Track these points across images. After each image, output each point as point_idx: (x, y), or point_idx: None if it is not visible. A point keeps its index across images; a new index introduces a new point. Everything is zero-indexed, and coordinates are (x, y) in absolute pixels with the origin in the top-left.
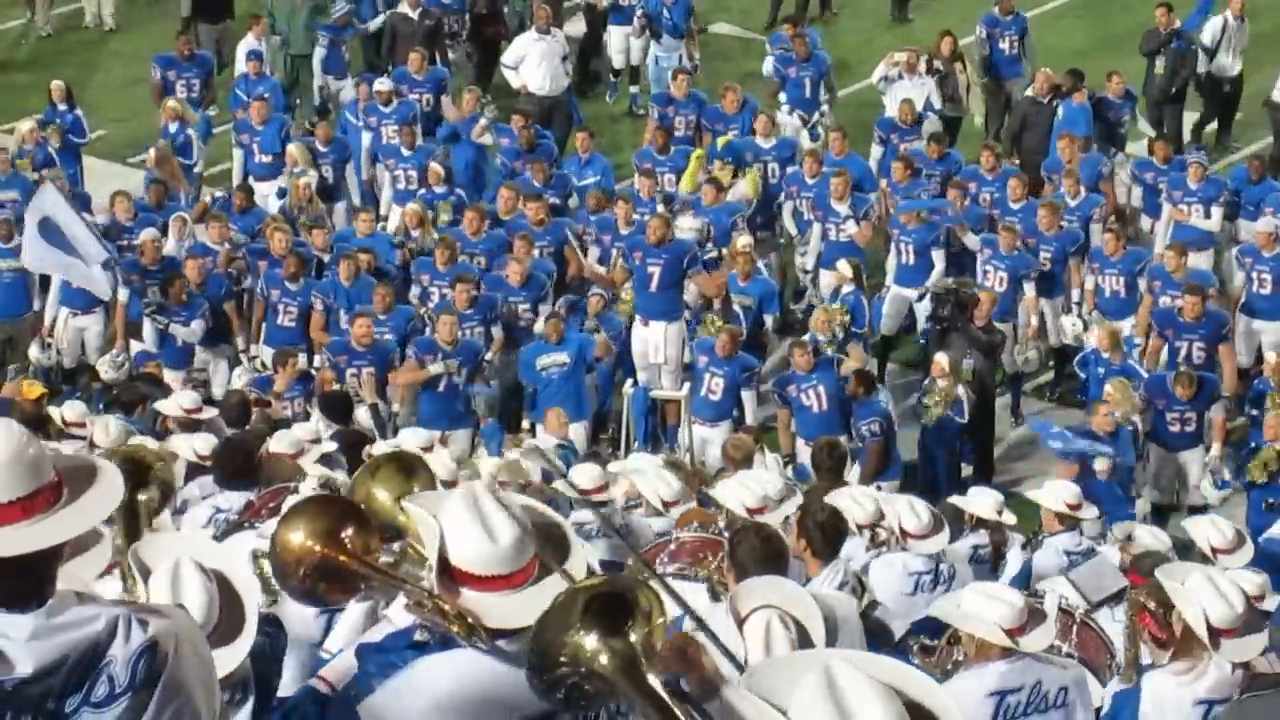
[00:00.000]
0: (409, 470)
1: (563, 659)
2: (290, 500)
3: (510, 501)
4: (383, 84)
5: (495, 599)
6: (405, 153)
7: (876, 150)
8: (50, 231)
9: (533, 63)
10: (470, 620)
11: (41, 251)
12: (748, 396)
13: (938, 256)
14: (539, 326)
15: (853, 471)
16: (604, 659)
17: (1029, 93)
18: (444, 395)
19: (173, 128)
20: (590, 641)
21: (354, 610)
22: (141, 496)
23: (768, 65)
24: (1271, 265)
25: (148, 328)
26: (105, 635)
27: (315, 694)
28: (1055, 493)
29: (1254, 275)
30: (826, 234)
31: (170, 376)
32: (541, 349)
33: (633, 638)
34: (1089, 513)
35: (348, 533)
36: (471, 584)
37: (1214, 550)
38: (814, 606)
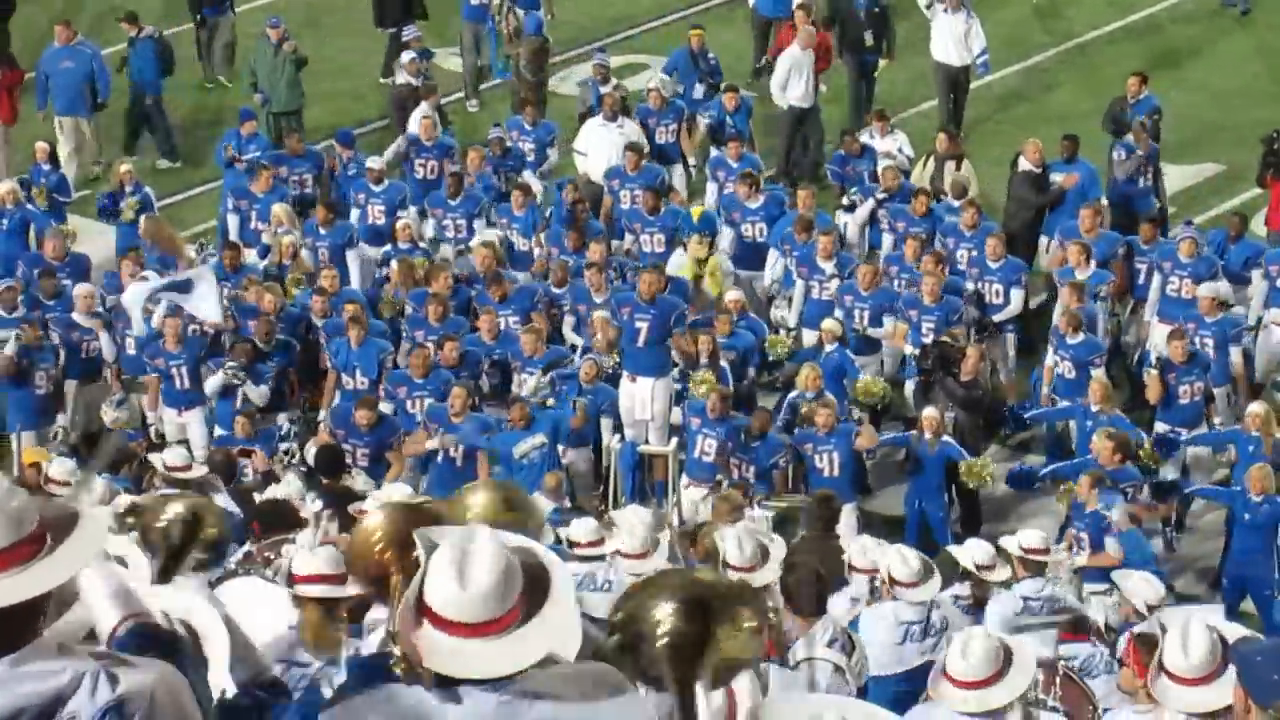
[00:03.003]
0: (510, 505)
1: (626, 613)
2: (288, 549)
3: (502, 548)
4: (373, 162)
5: (453, 643)
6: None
7: (864, 213)
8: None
9: (595, 149)
10: (412, 661)
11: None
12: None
13: (889, 321)
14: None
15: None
16: (662, 631)
17: (1024, 166)
18: (441, 466)
19: (128, 188)
20: (663, 612)
21: None
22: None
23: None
24: (1214, 331)
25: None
26: (69, 689)
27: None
28: (1017, 539)
29: (1197, 340)
30: (810, 292)
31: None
32: (512, 438)
33: (712, 634)
34: (1055, 557)
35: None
36: (436, 623)
37: (1149, 608)
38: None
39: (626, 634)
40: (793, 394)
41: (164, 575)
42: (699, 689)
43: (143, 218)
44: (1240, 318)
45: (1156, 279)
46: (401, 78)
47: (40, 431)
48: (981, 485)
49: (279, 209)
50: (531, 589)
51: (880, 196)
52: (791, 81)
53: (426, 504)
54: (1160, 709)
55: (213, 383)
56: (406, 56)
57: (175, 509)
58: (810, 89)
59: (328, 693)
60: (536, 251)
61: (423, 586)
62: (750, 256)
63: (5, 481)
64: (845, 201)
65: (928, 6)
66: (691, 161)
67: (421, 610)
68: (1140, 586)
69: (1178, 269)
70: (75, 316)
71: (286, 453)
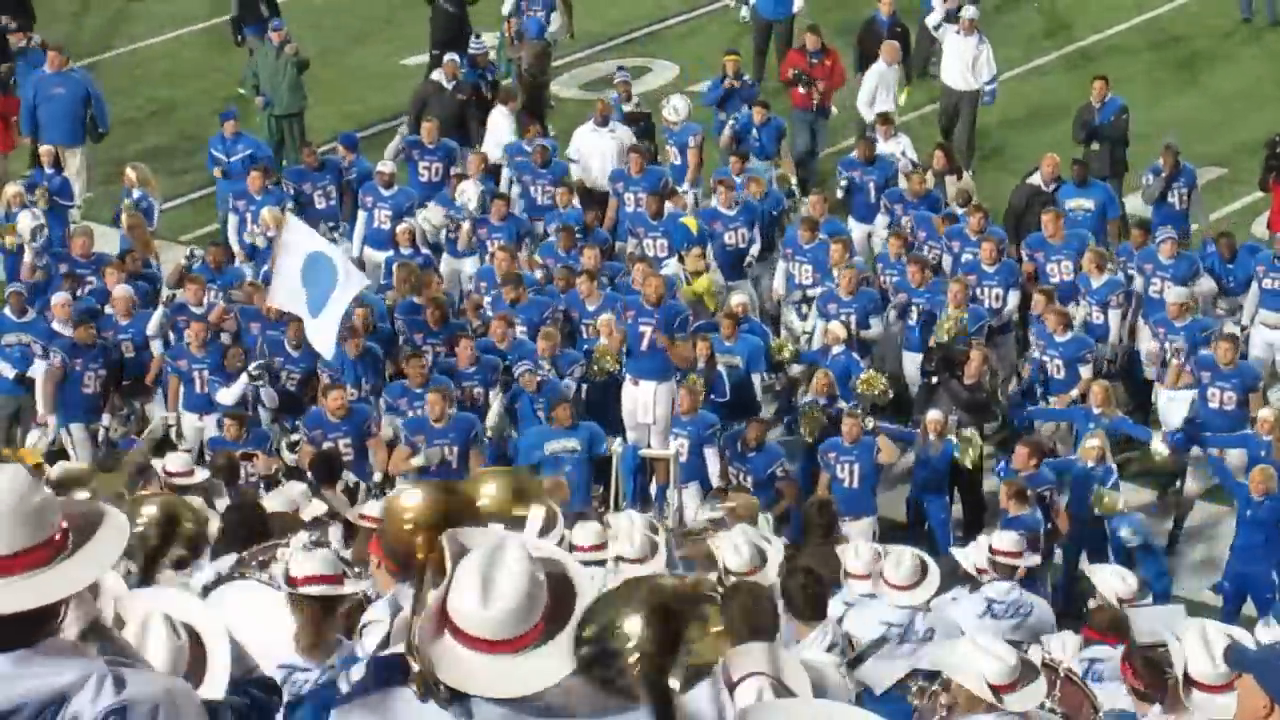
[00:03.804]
0: (520, 494)
1: (594, 630)
2: (282, 553)
3: (530, 564)
4: (384, 165)
5: (471, 657)
6: (405, 252)
7: (883, 219)
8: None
9: (586, 155)
10: (427, 675)
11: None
12: (710, 454)
13: (875, 323)
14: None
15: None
16: (633, 645)
17: (1034, 180)
18: (436, 475)
19: (135, 193)
20: (631, 625)
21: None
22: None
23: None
24: (1184, 334)
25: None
26: (72, 689)
27: None
28: (990, 539)
29: (1167, 345)
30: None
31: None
32: (549, 434)
33: (680, 639)
34: (1028, 561)
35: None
36: (456, 635)
37: (1120, 601)
38: (804, 676)
39: (596, 650)
40: (805, 399)
41: (146, 578)
42: (674, 696)
43: (125, 214)
44: (1211, 321)
45: (1139, 281)
46: (435, 75)
47: (89, 428)
48: (874, 396)
49: (267, 213)
50: (556, 606)
51: (905, 221)
52: (879, 97)
53: (459, 487)
54: (1185, 714)
55: (232, 392)
56: (447, 57)
57: (149, 511)
58: (896, 106)
59: (344, 688)
60: (535, 270)
61: (447, 596)
62: (731, 263)
63: (27, 479)
64: (839, 194)
65: (936, 28)
66: (687, 187)
67: (444, 620)
68: (1112, 580)
69: (1159, 270)
70: (55, 325)
71: (292, 445)
